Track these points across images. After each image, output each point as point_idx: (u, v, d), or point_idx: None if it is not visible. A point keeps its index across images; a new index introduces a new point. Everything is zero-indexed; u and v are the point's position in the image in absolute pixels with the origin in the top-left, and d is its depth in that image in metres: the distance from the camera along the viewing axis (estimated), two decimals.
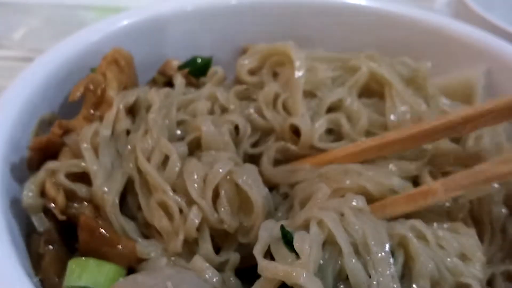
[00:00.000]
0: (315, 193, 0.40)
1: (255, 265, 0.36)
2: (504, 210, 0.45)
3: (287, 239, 0.36)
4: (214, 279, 0.39)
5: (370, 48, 0.58)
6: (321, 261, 0.35)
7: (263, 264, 0.35)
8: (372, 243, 0.36)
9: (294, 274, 0.33)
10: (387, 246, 0.37)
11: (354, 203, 0.39)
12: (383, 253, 0.36)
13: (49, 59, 0.53)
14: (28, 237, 0.43)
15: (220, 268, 0.41)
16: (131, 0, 0.89)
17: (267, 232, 0.37)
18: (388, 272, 0.36)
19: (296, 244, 0.35)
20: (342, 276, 0.36)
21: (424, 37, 0.60)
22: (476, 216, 0.44)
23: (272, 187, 0.47)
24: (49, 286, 0.40)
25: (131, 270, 0.41)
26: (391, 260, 0.37)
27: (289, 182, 0.46)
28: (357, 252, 0.36)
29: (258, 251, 0.36)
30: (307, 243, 0.35)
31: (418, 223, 0.40)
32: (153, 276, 0.37)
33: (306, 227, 0.37)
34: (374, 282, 0.35)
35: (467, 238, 0.41)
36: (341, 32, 0.62)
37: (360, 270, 0.35)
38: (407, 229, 0.39)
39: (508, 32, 0.67)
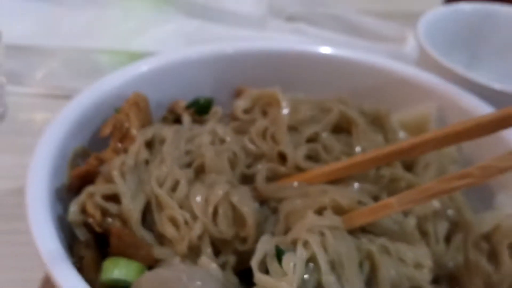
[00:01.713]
0: (302, 220, 0.50)
1: (249, 268, 0.46)
2: (445, 224, 0.56)
3: (279, 256, 0.46)
4: (218, 273, 0.49)
5: (341, 90, 0.69)
6: (305, 276, 0.45)
7: (257, 276, 0.46)
8: (345, 260, 0.47)
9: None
10: (357, 261, 0.48)
11: (332, 223, 0.49)
12: (353, 268, 0.47)
13: (80, 102, 0.63)
14: (71, 245, 0.53)
15: (222, 267, 0.51)
16: (140, 45, 0.98)
17: (263, 247, 0.47)
18: (357, 282, 0.47)
19: (284, 263, 0.45)
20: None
21: (383, 81, 0.71)
22: (422, 229, 0.54)
23: (264, 201, 0.57)
24: (90, 283, 0.49)
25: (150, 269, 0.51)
26: (360, 272, 0.48)
27: (278, 197, 0.56)
28: (333, 267, 0.47)
29: (255, 263, 0.46)
30: (292, 263, 0.45)
31: (384, 241, 0.51)
32: (171, 269, 0.47)
33: (294, 244, 0.47)
34: None
35: (419, 249, 0.52)
36: (317, 77, 0.73)
37: (334, 284, 0.46)
38: (373, 245, 0.49)
39: (463, 76, 0.76)
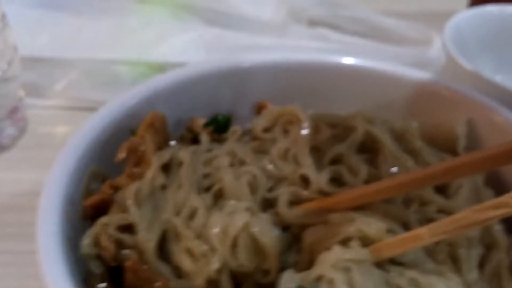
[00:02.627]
0: (327, 253, 0.46)
1: None
2: (480, 249, 0.51)
3: None
4: None
5: (365, 102, 0.65)
6: None
7: None
8: None
9: None
10: None
11: (358, 256, 0.46)
12: None
13: (95, 123, 0.59)
14: (86, 278, 0.50)
15: None
16: (159, 55, 0.95)
17: (285, 285, 0.44)
18: None
19: None
20: None
21: (410, 92, 0.66)
22: (454, 256, 0.50)
23: (286, 226, 0.53)
24: None
25: None
26: None
27: (300, 222, 0.52)
28: None
29: None
30: None
31: (414, 274, 0.46)
32: None
33: (318, 281, 0.44)
34: None
35: (451, 280, 0.48)
36: (340, 89, 0.69)
37: None
38: (403, 280, 0.46)
39: (491, 82, 0.72)
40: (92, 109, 0.62)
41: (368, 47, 1.02)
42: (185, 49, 0.97)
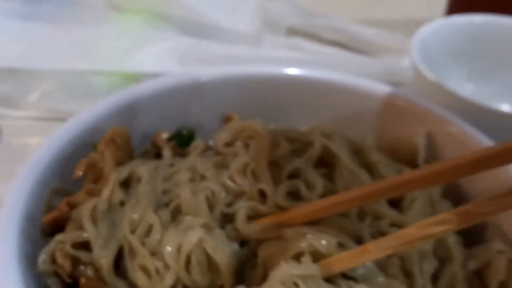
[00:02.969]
0: (277, 269, 0.47)
1: None
2: (433, 263, 0.52)
3: None
4: None
5: (328, 115, 0.66)
6: None
7: None
8: None
9: None
10: None
11: (307, 272, 0.47)
12: None
13: (58, 137, 0.60)
14: None
15: None
16: (133, 65, 0.96)
17: None
18: None
19: None
20: None
21: (371, 105, 0.68)
22: (407, 269, 0.51)
23: (245, 241, 0.54)
24: None
25: None
26: None
27: (258, 237, 0.53)
28: None
29: None
30: None
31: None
32: None
33: None
34: None
35: None
36: (303, 101, 0.71)
37: None
38: None
39: (456, 95, 0.73)
40: (66, 120, 0.62)
41: (342, 57, 1.04)
42: (159, 59, 0.98)
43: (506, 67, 0.93)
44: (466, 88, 0.92)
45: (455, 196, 0.61)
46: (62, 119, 0.62)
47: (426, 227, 0.45)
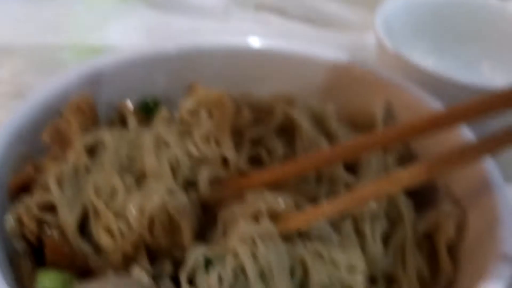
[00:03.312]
0: (236, 227, 0.50)
1: None
2: (384, 224, 0.55)
3: (208, 267, 0.46)
4: (149, 284, 0.49)
5: (290, 85, 0.69)
6: (233, 286, 0.46)
7: None
8: (275, 268, 0.47)
9: None
10: (287, 268, 0.48)
11: (265, 230, 0.49)
12: (283, 277, 0.47)
13: (25, 106, 0.62)
14: (11, 255, 0.53)
15: (158, 275, 0.50)
16: (101, 39, 0.97)
17: (194, 257, 0.47)
18: None
19: (210, 276, 0.46)
20: None
21: (331, 76, 0.70)
22: (359, 230, 0.54)
23: (207, 206, 0.56)
24: None
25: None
26: (290, 280, 0.47)
27: (219, 202, 0.55)
28: (263, 277, 0.47)
29: (183, 275, 0.47)
30: (218, 276, 0.46)
31: (317, 245, 0.50)
32: (101, 282, 0.47)
33: (225, 254, 0.47)
34: None
35: (353, 252, 0.51)
36: (266, 72, 0.73)
37: None
38: (305, 251, 0.49)
39: (418, 67, 0.76)
40: None
41: (308, 33, 1.06)
42: (128, 33, 0.99)
43: (468, 42, 0.96)
44: (428, 63, 0.94)
45: (409, 162, 0.64)
46: None
47: (379, 185, 0.47)
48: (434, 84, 0.73)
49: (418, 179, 0.47)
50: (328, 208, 0.50)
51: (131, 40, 0.97)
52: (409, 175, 0.48)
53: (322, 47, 0.72)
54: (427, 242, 0.57)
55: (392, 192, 0.49)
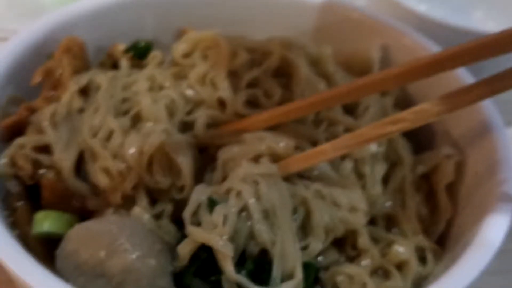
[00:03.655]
0: (238, 168, 0.49)
1: None
2: (383, 165, 0.55)
3: (211, 208, 0.46)
4: (150, 223, 0.48)
5: (286, 29, 0.67)
6: (238, 225, 0.45)
7: (190, 229, 0.45)
8: (278, 208, 0.47)
9: (211, 240, 0.44)
10: (290, 208, 0.48)
11: (267, 171, 0.48)
12: (286, 216, 0.47)
13: (11, 49, 0.59)
14: (5, 198, 0.52)
15: (158, 216, 0.50)
16: None
17: (197, 197, 0.47)
18: (289, 231, 0.46)
19: (214, 215, 0.45)
20: (252, 236, 0.46)
21: (328, 19, 0.69)
22: (359, 171, 0.54)
23: (204, 148, 0.55)
24: (22, 235, 0.49)
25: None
26: (293, 219, 0.47)
27: (216, 144, 0.55)
28: (266, 216, 0.46)
29: (187, 214, 0.46)
30: (224, 214, 0.45)
31: (319, 186, 0.50)
32: (101, 222, 0.46)
33: (228, 194, 0.47)
34: (278, 239, 0.45)
35: (354, 193, 0.51)
36: (261, 15, 0.71)
37: (265, 232, 0.46)
38: (307, 192, 0.49)
39: (413, 11, 0.75)
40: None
41: None
42: None
43: None
44: (420, 8, 0.93)
45: (406, 105, 0.63)
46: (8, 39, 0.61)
47: (382, 126, 0.47)
48: (427, 28, 0.72)
49: (419, 121, 0.47)
50: (329, 149, 0.49)
51: None
52: (411, 117, 0.47)
53: None
54: (426, 184, 0.57)
55: (393, 133, 0.48)
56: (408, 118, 0.46)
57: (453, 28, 0.74)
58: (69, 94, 0.54)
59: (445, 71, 0.48)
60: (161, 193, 0.51)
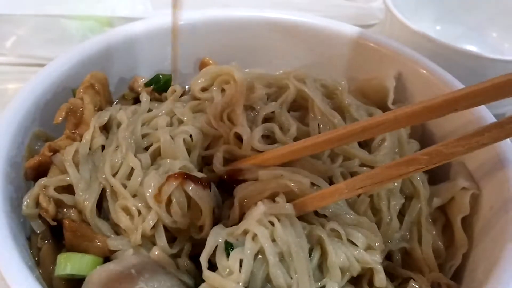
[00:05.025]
0: (254, 209, 0.48)
1: None
2: (400, 200, 0.54)
3: (228, 251, 0.45)
4: (169, 265, 0.48)
5: (302, 58, 0.67)
6: (254, 269, 0.45)
7: (206, 274, 0.45)
8: (294, 250, 0.46)
9: (227, 287, 0.43)
10: (306, 249, 0.47)
11: (282, 211, 0.48)
12: (302, 258, 0.46)
13: (36, 84, 0.60)
14: (30, 237, 0.52)
15: (177, 254, 0.50)
16: (107, 9, 0.94)
17: (213, 240, 0.46)
18: (305, 273, 0.45)
19: (230, 260, 0.45)
20: (268, 280, 0.45)
21: (345, 48, 0.68)
22: (375, 206, 0.53)
23: (221, 183, 0.55)
24: (46, 274, 0.49)
25: (107, 259, 0.50)
26: (309, 260, 0.46)
27: (233, 178, 0.54)
28: (282, 258, 0.46)
29: (204, 258, 0.46)
30: (239, 260, 0.44)
31: (335, 225, 0.49)
32: (121, 264, 0.46)
33: (245, 236, 0.46)
34: (294, 282, 0.45)
35: (370, 231, 0.51)
36: (279, 45, 0.71)
37: (281, 276, 0.45)
38: (323, 231, 0.48)
39: (426, 36, 0.74)
40: (41, 65, 0.61)
41: (315, 1, 1.03)
42: (132, 3, 0.96)
43: (472, 9, 0.93)
44: (433, 30, 0.92)
45: (421, 136, 0.62)
46: (38, 65, 0.61)
47: (396, 167, 0.46)
48: (441, 53, 0.72)
49: (433, 163, 0.46)
50: (345, 189, 0.48)
51: (136, 10, 0.94)
52: (425, 159, 0.46)
53: (335, 18, 0.70)
54: (442, 215, 0.56)
55: (408, 174, 0.47)
56: (422, 160, 0.46)
57: (466, 53, 0.73)
58: (90, 132, 0.54)
59: (460, 110, 0.47)
60: (180, 232, 0.51)
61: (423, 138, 0.62)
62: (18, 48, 0.91)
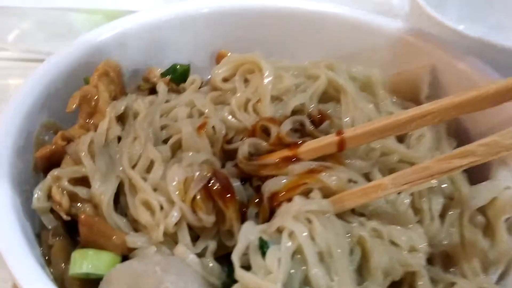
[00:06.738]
0: (289, 204, 0.45)
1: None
2: (440, 199, 0.51)
3: (263, 250, 0.41)
4: (195, 263, 0.44)
5: (329, 50, 0.63)
6: (291, 271, 0.41)
7: (239, 274, 0.41)
8: (334, 249, 0.42)
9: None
10: (347, 249, 0.43)
11: (320, 208, 0.44)
12: (343, 258, 0.42)
13: (45, 71, 0.56)
14: (40, 233, 0.48)
15: (200, 254, 0.46)
16: (115, 2, 0.91)
17: (246, 237, 0.42)
18: (347, 275, 0.42)
19: (268, 259, 0.41)
20: (307, 282, 0.41)
21: (374, 40, 0.64)
22: (416, 206, 0.49)
23: (246, 177, 0.51)
24: (58, 274, 0.45)
25: (125, 258, 0.46)
26: (350, 262, 0.43)
27: (260, 175, 0.50)
28: (322, 258, 0.42)
29: (236, 257, 0.42)
30: (277, 259, 0.40)
31: (376, 224, 0.46)
32: (144, 262, 0.42)
33: (279, 234, 0.42)
34: (335, 284, 0.41)
35: (413, 231, 0.47)
36: (303, 36, 0.67)
37: (321, 277, 0.41)
38: (364, 231, 0.45)
39: (455, 30, 0.71)
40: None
41: None
42: None
43: (495, 8, 0.91)
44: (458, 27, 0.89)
45: (455, 133, 0.59)
46: (42, 60, 0.58)
47: (449, 159, 0.43)
48: (470, 46, 0.68)
49: (490, 154, 0.43)
50: (389, 184, 0.45)
51: (145, 3, 0.91)
52: (481, 150, 0.43)
53: (357, 8, 0.66)
54: (482, 217, 0.52)
55: (462, 167, 0.44)
56: (478, 152, 0.42)
57: (495, 45, 0.70)
58: (106, 122, 0.50)
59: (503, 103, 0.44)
60: (204, 229, 0.47)
61: (458, 134, 0.58)
62: (21, 43, 0.88)
